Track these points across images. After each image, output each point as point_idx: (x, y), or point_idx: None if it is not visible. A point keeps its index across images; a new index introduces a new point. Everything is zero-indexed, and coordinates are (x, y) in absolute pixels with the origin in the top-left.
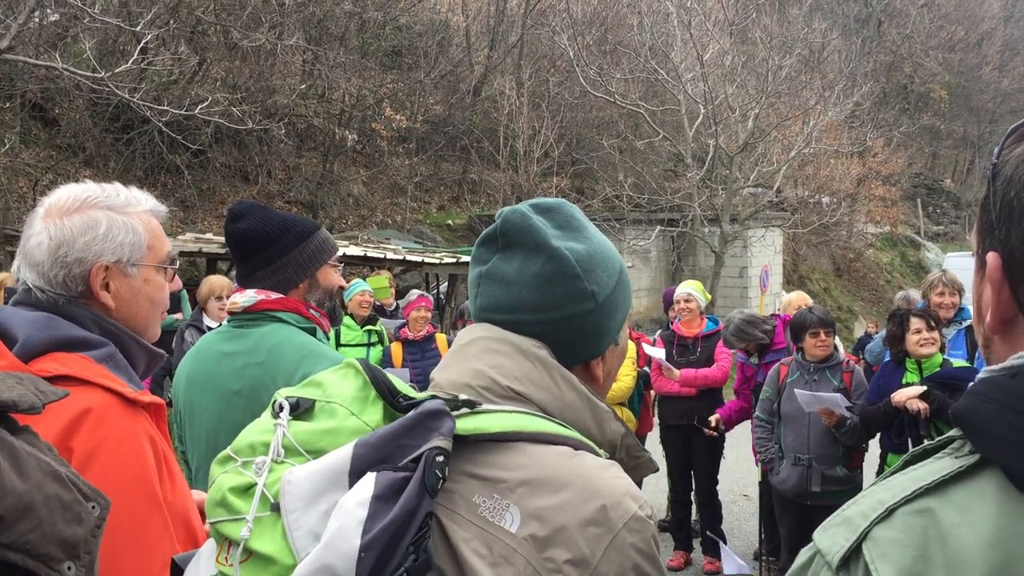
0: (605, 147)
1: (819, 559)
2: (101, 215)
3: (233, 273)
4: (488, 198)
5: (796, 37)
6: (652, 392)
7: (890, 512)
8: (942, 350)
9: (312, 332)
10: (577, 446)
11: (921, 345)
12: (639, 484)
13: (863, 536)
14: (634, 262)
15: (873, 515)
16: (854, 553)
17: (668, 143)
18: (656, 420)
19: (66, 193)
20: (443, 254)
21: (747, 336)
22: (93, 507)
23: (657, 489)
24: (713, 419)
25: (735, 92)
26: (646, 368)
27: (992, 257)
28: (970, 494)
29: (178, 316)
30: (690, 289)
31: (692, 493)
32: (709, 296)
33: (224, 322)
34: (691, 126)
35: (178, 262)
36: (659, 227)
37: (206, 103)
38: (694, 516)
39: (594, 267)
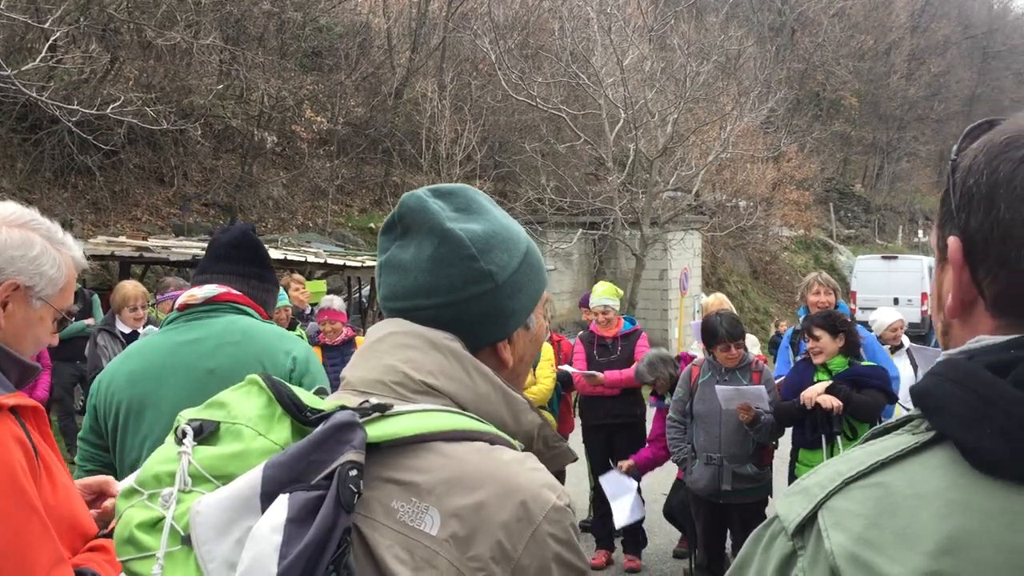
0: (527, 150)
1: (777, 524)
2: (39, 240)
3: (174, 279)
4: None
5: (713, 44)
6: (572, 392)
7: (846, 483)
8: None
9: None
10: (493, 440)
11: (815, 355)
12: (561, 477)
13: (819, 505)
14: (556, 265)
15: (830, 486)
16: (809, 521)
17: (589, 147)
18: (578, 420)
19: (14, 208)
20: (365, 257)
21: (657, 371)
22: None
23: (580, 490)
24: (625, 465)
25: (654, 97)
26: (566, 367)
27: (953, 241)
28: (924, 468)
29: (89, 321)
30: (606, 300)
31: None
32: (620, 292)
33: (166, 320)
34: (612, 130)
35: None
36: (581, 230)
37: (118, 103)
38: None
39: (492, 247)
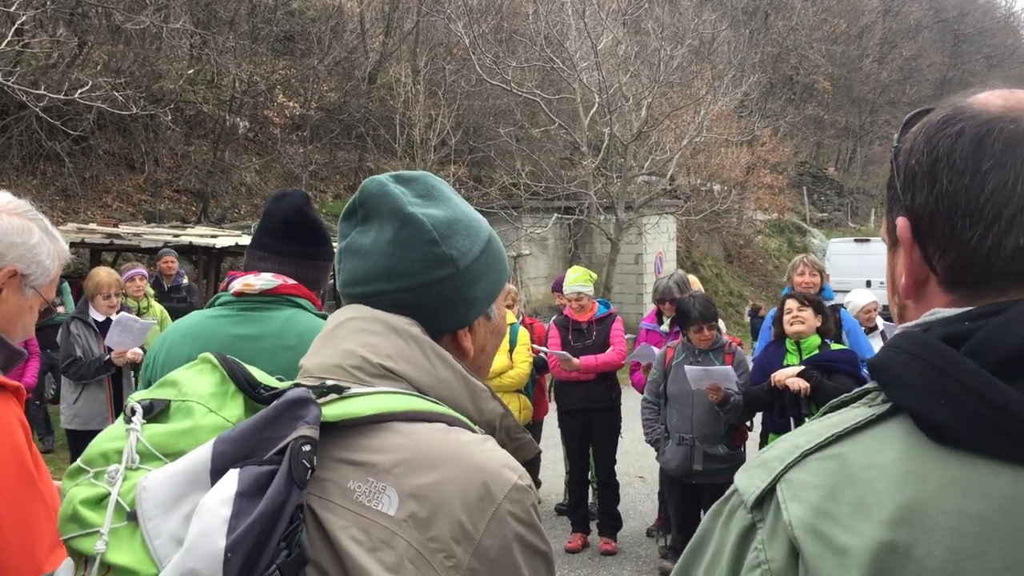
0: (502, 135)
1: (736, 497)
2: (37, 230)
3: (129, 266)
4: None
5: (687, 28)
6: (547, 376)
7: (804, 456)
8: (825, 334)
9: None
10: (452, 422)
11: (791, 324)
12: (537, 461)
13: (777, 478)
14: (532, 250)
15: (789, 459)
16: (768, 493)
17: (564, 131)
18: (553, 404)
19: (10, 197)
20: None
21: (687, 288)
22: None
23: (556, 474)
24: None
25: (629, 81)
26: (541, 352)
27: (901, 221)
28: (879, 439)
29: (59, 309)
30: (579, 287)
31: (589, 475)
32: (595, 276)
33: (214, 303)
34: (586, 115)
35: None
36: (556, 215)
37: (87, 88)
38: (590, 499)
39: (454, 233)
